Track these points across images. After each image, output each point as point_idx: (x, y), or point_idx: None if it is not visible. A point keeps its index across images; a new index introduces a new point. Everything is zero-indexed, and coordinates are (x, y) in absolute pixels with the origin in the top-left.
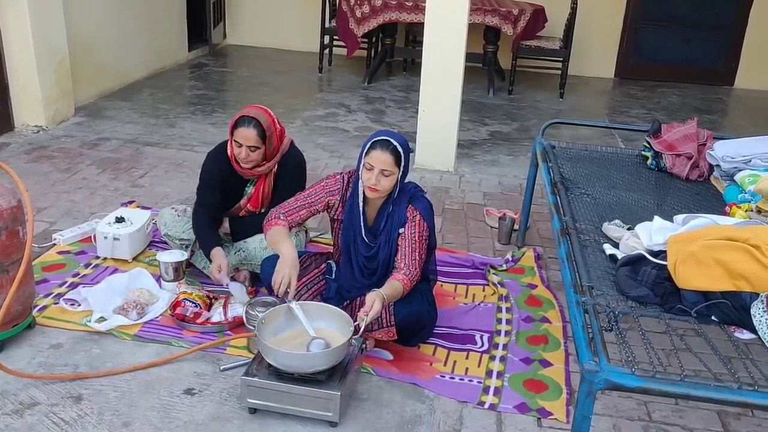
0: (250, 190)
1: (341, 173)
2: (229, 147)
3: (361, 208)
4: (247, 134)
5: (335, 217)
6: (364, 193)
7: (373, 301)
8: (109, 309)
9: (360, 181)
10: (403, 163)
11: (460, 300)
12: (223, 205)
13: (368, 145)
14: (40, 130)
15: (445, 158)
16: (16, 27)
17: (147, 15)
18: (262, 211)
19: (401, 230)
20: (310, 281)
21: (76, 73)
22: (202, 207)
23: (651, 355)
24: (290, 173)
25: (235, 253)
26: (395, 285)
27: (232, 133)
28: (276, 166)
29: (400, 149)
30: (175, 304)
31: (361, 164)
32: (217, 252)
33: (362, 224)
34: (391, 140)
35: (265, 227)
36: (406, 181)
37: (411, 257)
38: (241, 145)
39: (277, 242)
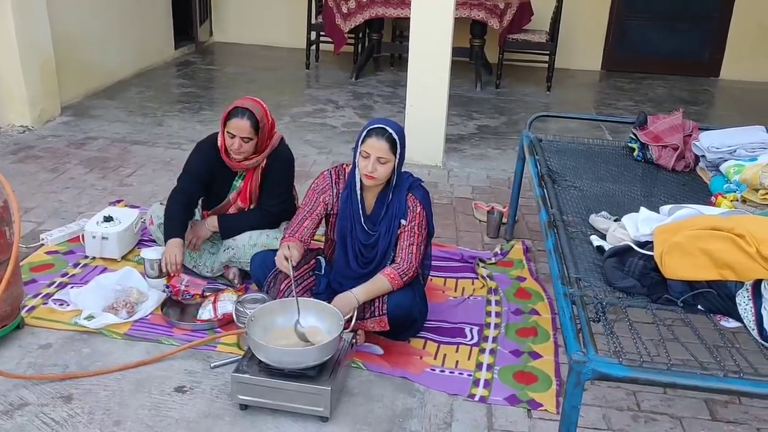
0: (239, 183)
1: (327, 170)
2: (219, 138)
3: (359, 197)
4: (241, 125)
5: (330, 212)
6: (361, 181)
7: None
8: (98, 308)
9: (357, 170)
10: (399, 151)
11: (449, 294)
12: (201, 196)
13: (364, 133)
14: (26, 130)
15: (433, 153)
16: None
17: (132, 13)
18: (251, 207)
19: (403, 221)
20: (299, 277)
21: (62, 73)
22: (179, 193)
23: (638, 345)
24: (278, 169)
25: (224, 250)
26: (379, 280)
27: (224, 124)
28: (265, 162)
29: (395, 136)
30: (170, 278)
31: (358, 152)
32: (175, 242)
33: (361, 212)
34: (387, 128)
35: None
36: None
37: (408, 251)
38: (233, 136)
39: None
